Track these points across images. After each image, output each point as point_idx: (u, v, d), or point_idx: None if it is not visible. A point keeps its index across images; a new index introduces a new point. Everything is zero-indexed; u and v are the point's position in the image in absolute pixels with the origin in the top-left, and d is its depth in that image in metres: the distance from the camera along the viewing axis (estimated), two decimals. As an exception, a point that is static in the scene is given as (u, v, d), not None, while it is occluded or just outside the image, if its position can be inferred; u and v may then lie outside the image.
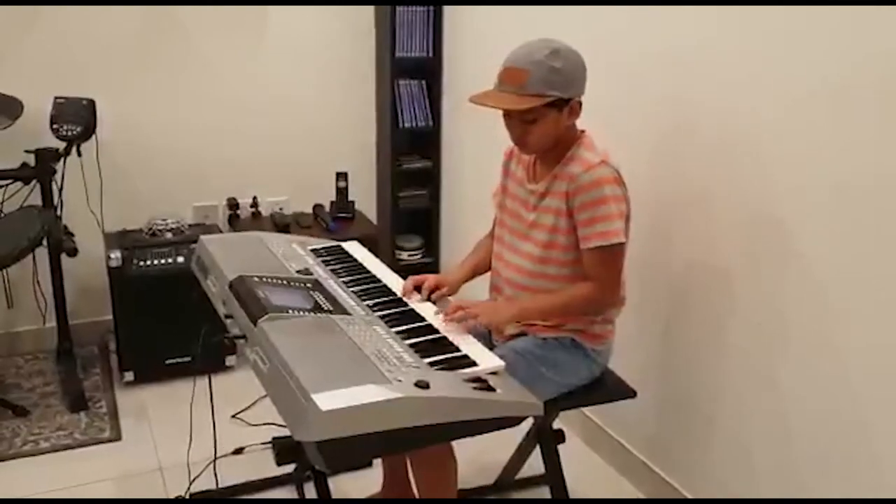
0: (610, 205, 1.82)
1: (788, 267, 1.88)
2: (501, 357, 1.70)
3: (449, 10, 3.39)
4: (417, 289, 2.02)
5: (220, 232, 3.24)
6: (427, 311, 1.89)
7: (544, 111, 1.82)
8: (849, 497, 1.80)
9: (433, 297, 2.01)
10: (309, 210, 3.52)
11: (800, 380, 1.89)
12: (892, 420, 1.68)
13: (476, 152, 3.31)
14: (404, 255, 3.69)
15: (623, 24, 2.34)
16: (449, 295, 2.05)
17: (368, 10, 3.50)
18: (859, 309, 1.72)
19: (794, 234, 1.86)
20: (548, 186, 1.92)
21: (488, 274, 2.14)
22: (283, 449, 1.63)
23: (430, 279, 2.04)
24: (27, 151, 2.82)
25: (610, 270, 1.87)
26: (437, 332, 1.77)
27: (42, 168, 2.82)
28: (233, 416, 2.77)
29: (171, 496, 2.37)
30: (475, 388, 1.51)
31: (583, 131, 1.94)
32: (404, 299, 1.96)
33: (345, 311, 1.77)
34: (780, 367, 1.94)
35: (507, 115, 1.89)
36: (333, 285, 1.97)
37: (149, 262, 2.93)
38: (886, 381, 1.68)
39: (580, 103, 1.87)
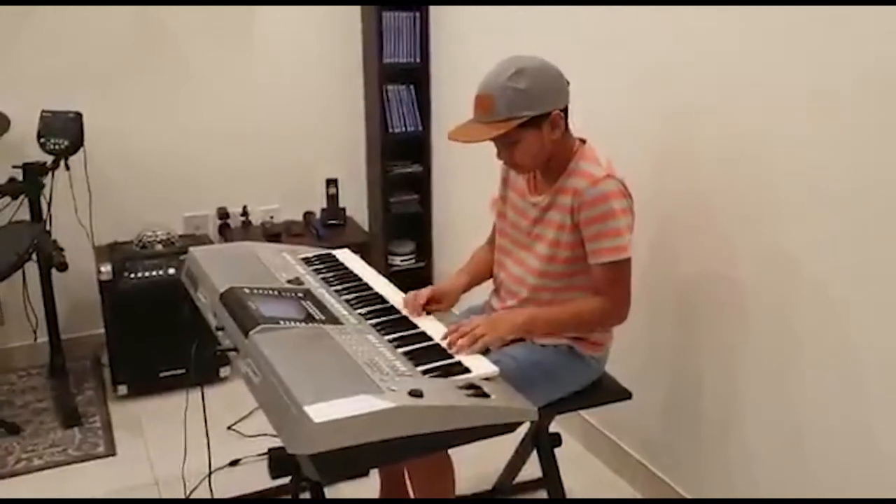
0: (619, 219, 1.78)
1: (780, 269, 1.88)
2: (497, 363, 1.68)
3: (435, 15, 3.38)
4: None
5: (211, 242, 3.23)
6: (420, 318, 1.88)
7: (521, 133, 1.77)
8: (847, 497, 1.79)
9: (429, 309, 1.98)
10: (300, 218, 3.51)
11: (794, 377, 1.89)
12: (891, 415, 1.68)
13: (466, 155, 3.28)
14: (397, 261, 3.68)
15: (619, 29, 2.29)
16: (448, 307, 2.00)
17: (355, 17, 3.50)
18: (857, 309, 1.71)
19: (796, 243, 1.84)
20: (551, 200, 1.87)
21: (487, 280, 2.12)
22: (278, 462, 1.61)
23: (425, 293, 1.96)
24: (14, 166, 2.80)
25: (621, 285, 1.83)
26: (429, 339, 1.76)
27: (30, 182, 2.80)
28: (228, 428, 2.75)
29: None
30: (469, 395, 1.50)
31: (583, 141, 1.89)
32: (397, 307, 1.93)
33: (336, 321, 1.75)
34: (773, 364, 1.94)
35: (492, 140, 1.84)
36: (325, 294, 1.95)
37: (140, 275, 2.92)
38: (888, 383, 1.67)
39: (562, 114, 1.81)
